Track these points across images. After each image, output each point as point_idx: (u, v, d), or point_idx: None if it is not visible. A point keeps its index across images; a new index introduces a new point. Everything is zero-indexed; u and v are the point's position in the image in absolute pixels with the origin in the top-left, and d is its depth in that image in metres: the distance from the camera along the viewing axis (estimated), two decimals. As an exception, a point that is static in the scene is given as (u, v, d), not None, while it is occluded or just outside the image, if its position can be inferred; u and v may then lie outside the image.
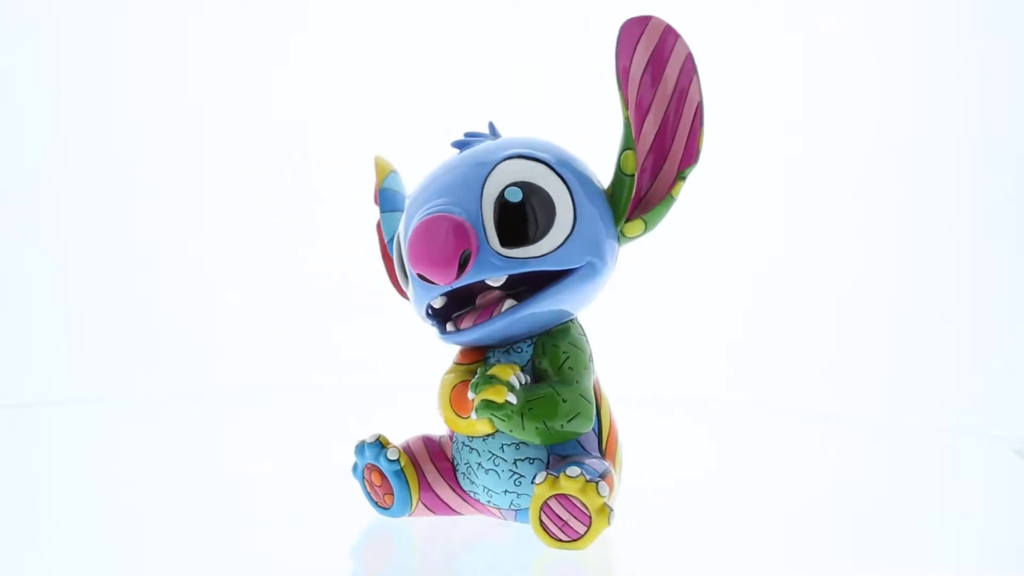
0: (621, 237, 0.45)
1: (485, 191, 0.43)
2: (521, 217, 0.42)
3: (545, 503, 0.41)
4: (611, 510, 0.41)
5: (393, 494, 0.46)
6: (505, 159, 0.43)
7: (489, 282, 0.43)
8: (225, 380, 0.94)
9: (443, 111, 0.96)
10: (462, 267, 0.42)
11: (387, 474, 0.46)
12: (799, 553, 0.46)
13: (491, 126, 0.48)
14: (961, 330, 0.87)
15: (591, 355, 0.45)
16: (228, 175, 0.99)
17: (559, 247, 0.43)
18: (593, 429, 0.44)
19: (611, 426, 0.45)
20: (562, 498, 0.41)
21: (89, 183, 0.94)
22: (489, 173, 0.43)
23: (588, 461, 0.43)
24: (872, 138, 0.92)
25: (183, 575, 0.42)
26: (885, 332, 0.90)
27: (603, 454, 0.44)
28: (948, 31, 0.90)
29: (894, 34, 0.92)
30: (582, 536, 0.41)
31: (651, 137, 0.44)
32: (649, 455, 0.48)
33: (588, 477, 0.41)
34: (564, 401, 0.42)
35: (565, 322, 0.45)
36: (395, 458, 0.46)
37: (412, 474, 0.46)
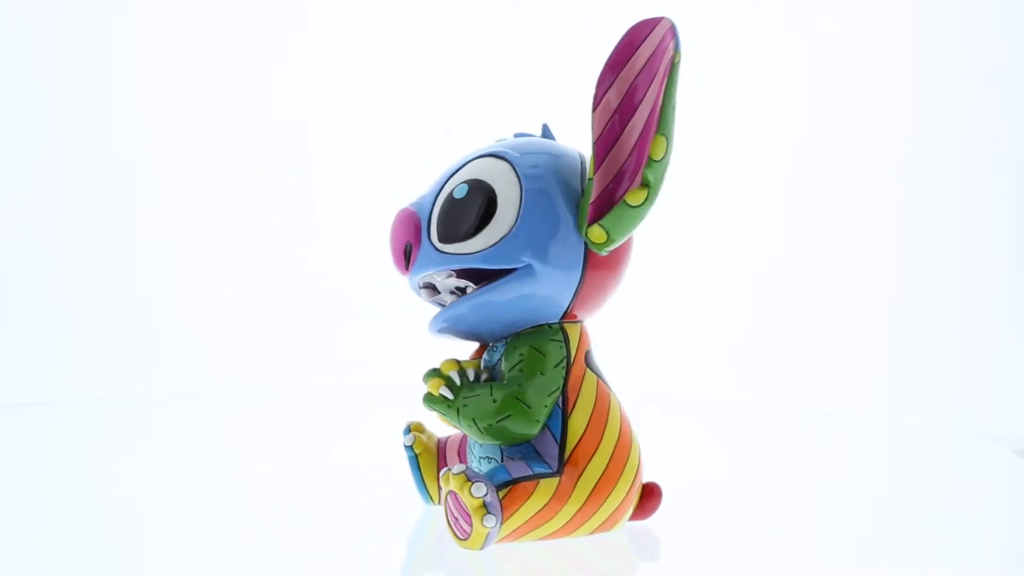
0: (591, 243, 0.43)
1: (445, 187, 0.44)
2: (456, 213, 0.43)
3: (445, 498, 0.41)
4: (487, 513, 0.40)
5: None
6: (477, 157, 0.44)
7: (436, 275, 0.44)
8: (225, 380, 0.94)
9: (443, 111, 0.96)
10: (408, 259, 0.44)
11: (408, 459, 0.48)
12: (799, 552, 0.46)
13: (544, 128, 0.47)
14: (961, 330, 0.87)
15: (562, 362, 0.43)
16: (228, 175, 0.99)
17: (493, 245, 0.42)
18: (554, 436, 0.43)
19: (586, 440, 0.43)
20: (452, 494, 0.41)
21: (89, 183, 0.94)
22: (456, 170, 0.44)
23: (514, 463, 0.42)
24: (873, 138, 0.92)
25: (183, 575, 0.42)
26: (885, 332, 0.90)
27: (562, 464, 0.43)
28: (948, 31, 0.90)
29: (894, 35, 0.92)
30: (469, 536, 0.40)
31: (607, 140, 0.42)
32: (649, 454, 0.48)
33: (469, 475, 0.40)
34: (495, 401, 0.42)
35: (540, 325, 0.44)
36: (409, 444, 0.48)
37: (428, 463, 0.48)
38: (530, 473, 0.42)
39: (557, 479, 0.42)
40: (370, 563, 0.44)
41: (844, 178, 0.93)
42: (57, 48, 0.93)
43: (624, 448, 0.44)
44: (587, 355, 0.45)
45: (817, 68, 0.95)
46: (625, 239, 0.43)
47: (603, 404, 0.44)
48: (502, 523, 0.40)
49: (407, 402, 0.57)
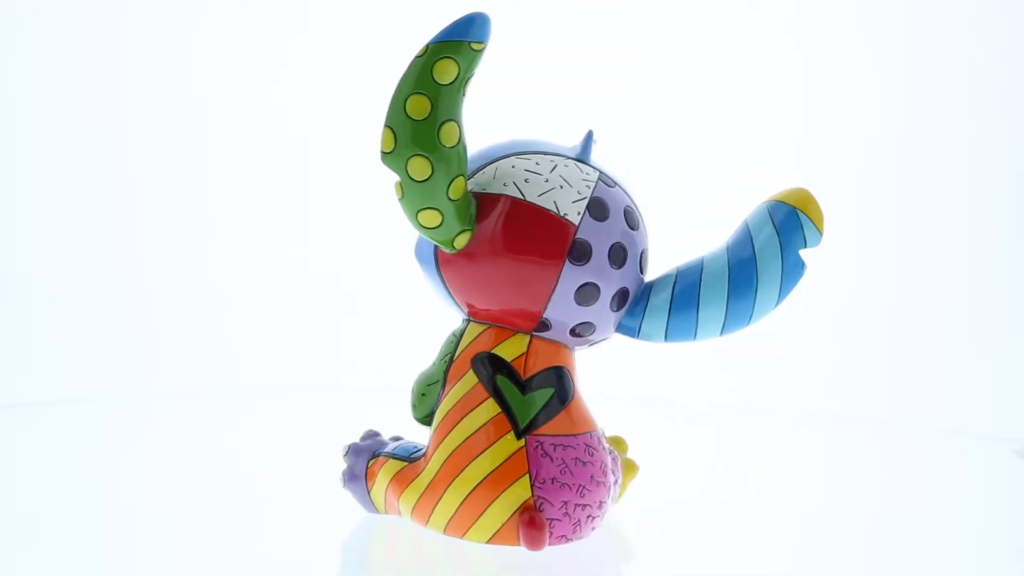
0: None
1: None
2: None
3: None
4: (342, 474, 0.47)
5: None
6: None
7: None
8: (225, 381, 0.94)
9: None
10: None
11: None
12: (798, 553, 0.46)
13: (587, 134, 0.46)
14: (961, 331, 0.87)
15: (446, 357, 0.45)
16: (229, 175, 0.99)
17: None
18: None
19: (435, 435, 0.43)
20: None
21: (89, 183, 0.94)
22: None
23: (401, 442, 0.47)
24: (873, 140, 0.92)
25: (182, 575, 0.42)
26: (885, 333, 0.90)
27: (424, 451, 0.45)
28: (948, 33, 0.90)
29: (894, 37, 0.92)
30: None
31: None
32: (651, 459, 0.48)
33: (361, 436, 0.48)
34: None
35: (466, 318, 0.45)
36: None
37: None
38: (388, 451, 0.46)
39: (402, 464, 0.45)
40: (370, 564, 0.44)
41: (844, 179, 0.93)
42: (57, 48, 0.93)
43: (463, 456, 0.42)
44: (481, 357, 0.43)
45: (817, 70, 0.95)
46: (445, 230, 0.41)
47: (465, 406, 0.43)
48: (368, 491, 0.46)
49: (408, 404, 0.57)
